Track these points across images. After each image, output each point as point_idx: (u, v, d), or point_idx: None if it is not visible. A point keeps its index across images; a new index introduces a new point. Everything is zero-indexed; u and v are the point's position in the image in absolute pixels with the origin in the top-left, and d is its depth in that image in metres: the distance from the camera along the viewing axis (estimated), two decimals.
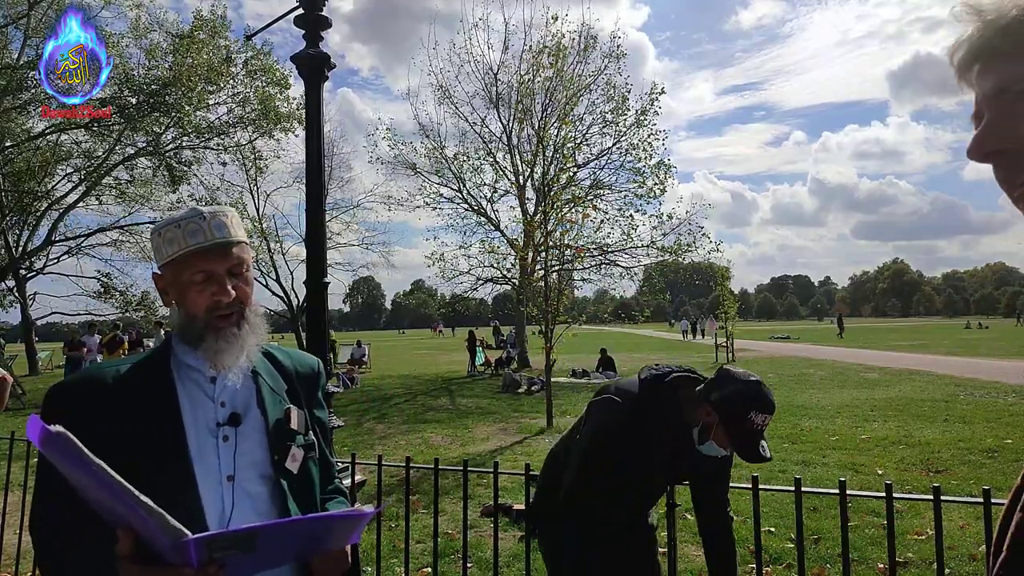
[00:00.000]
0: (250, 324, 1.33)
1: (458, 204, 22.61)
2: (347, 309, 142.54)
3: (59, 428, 0.94)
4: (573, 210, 12.43)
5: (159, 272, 1.35)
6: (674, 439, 2.04)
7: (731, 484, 2.31)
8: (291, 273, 25.69)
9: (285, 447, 1.33)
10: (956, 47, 0.71)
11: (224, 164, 24.53)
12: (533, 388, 14.71)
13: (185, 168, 23.71)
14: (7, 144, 21.65)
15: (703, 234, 19.02)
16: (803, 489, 2.33)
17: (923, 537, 4.63)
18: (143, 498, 0.96)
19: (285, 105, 23.30)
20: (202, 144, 23.72)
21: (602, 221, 18.29)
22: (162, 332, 16.49)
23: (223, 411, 1.30)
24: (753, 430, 1.86)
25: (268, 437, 1.32)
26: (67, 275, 26.42)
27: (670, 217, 18.89)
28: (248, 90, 22.91)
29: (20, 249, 25.33)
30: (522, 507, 5.12)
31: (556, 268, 15.15)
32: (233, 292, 1.30)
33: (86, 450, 0.95)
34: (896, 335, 39.16)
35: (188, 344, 1.32)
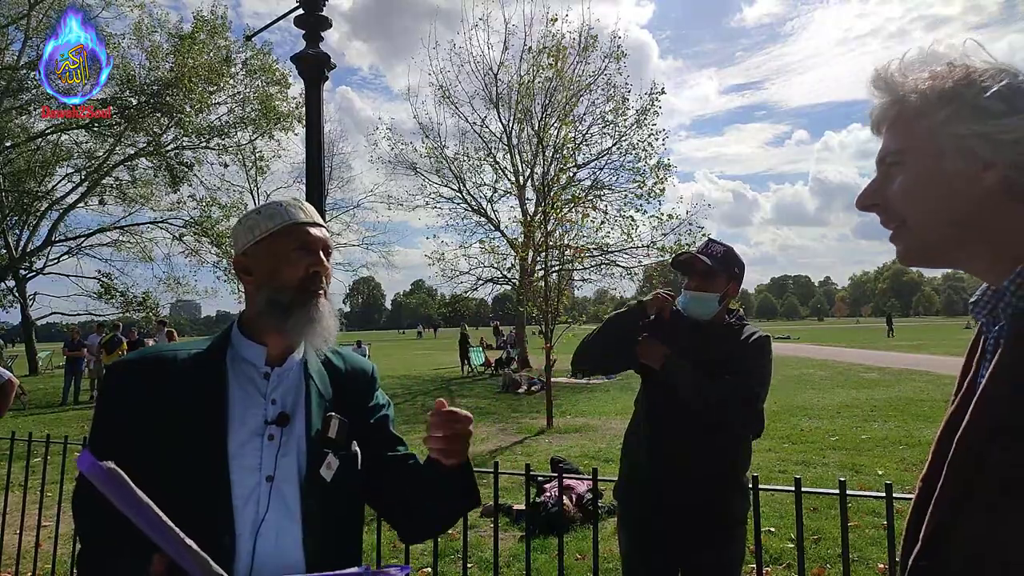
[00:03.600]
0: (332, 303, 1.35)
1: (458, 204, 22.67)
2: (347, 309, 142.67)
3: (110, 465, 0.96)
4: (573, 209, 12.42)
5: (245, 254, 1.34)
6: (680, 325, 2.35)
7: None
8: None
9: (321, 454, 1.30)
10: (871, 118, 0.91)
11: (225, 165, 24.56)
12: (533, 388, 14.72)
13: (186, 168, 23.71)
14: (7, 144, 21.64)
15: (703, 234, 18.96)
16: (803, 489, 2.33)
17: None
18: (188, 541, 0.98)
19: (285, 105, 23.32)
20: (202, 144, 23.73)
21: (602, 221, 18.29)
22: (164, 331, 16.46)
23: (273, 409, 1.29)
24: (682, 254, 2.38)
25: (308, 443, 1.30)
26: (67, 275, 26.40)
27: (670, 217, 18.85)
28: (248, 90, 22.94)
29: (20, 249, 25.31)
30: (522, 507, 5.12)
31: (556, 268, 15.14)
32: (329, 267, 1.34)
33: (135, 487, 0.97)
34: (897, 335, 39.14)
35: (272, 318, 1.29)
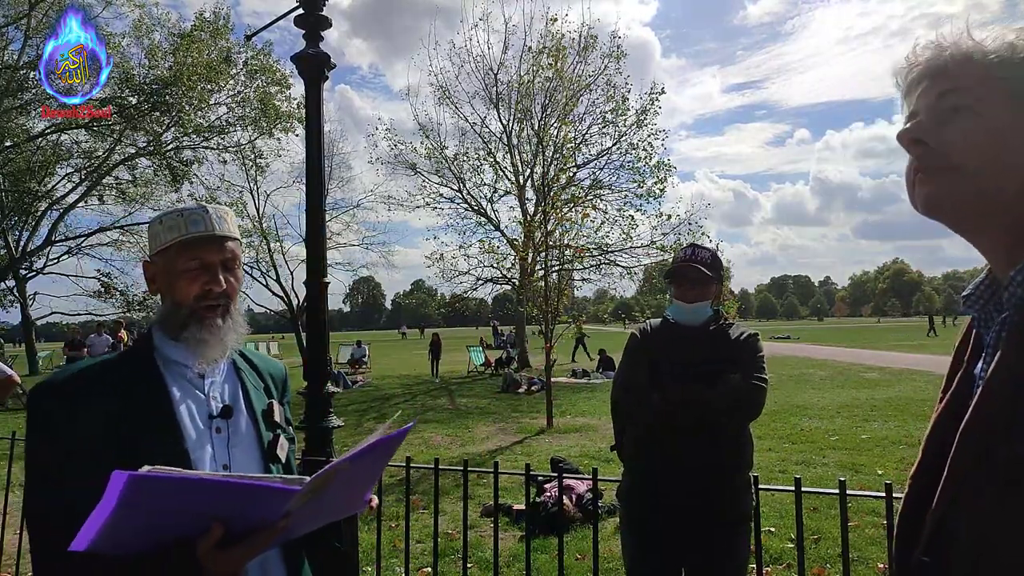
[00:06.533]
0: (233, 320, 1.36)
1: (458, 204, 22.66)
2: (347, 309, 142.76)
3: (147, 468, 0.95)
4: (573, 209, 12.42)
5: (150, 260, 1.37)
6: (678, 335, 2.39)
7: None
8: (291, 273, 25.60)
9: (275, 435, 1.39)
10: (908, 71, 0.87)
11: (224, 163, 24.53)
12: (533, 388, 14.72)
13: (186, 168, 23.71)
14: (7, 144, 21.63)
15: (703, 233, 18.95)
16: (803, 489, 2.33)
17: None
18: (250, 475, 1.04)
19: (285, 104, 23.30)
20: (202, 143, 23.73)
21: (602, 221, 18.31)
22: None
23: (214, 404, 1.34)
24: (676, 264, 2.39)
25: (257, 427, 1.37)
26: (67, 275, 26.41)
27: (670, 217, 18.86)
28: (248, 90, 22.92)
29: (20, 249, 25.32)
30: (522, 507, 5.12)
31: (556, 268, 15.14)
32: (224, 284, 1.33)
33: (175, 471, 0.97)
34: (897, 335, 39.14)
35: (170, 335, 1.33)
